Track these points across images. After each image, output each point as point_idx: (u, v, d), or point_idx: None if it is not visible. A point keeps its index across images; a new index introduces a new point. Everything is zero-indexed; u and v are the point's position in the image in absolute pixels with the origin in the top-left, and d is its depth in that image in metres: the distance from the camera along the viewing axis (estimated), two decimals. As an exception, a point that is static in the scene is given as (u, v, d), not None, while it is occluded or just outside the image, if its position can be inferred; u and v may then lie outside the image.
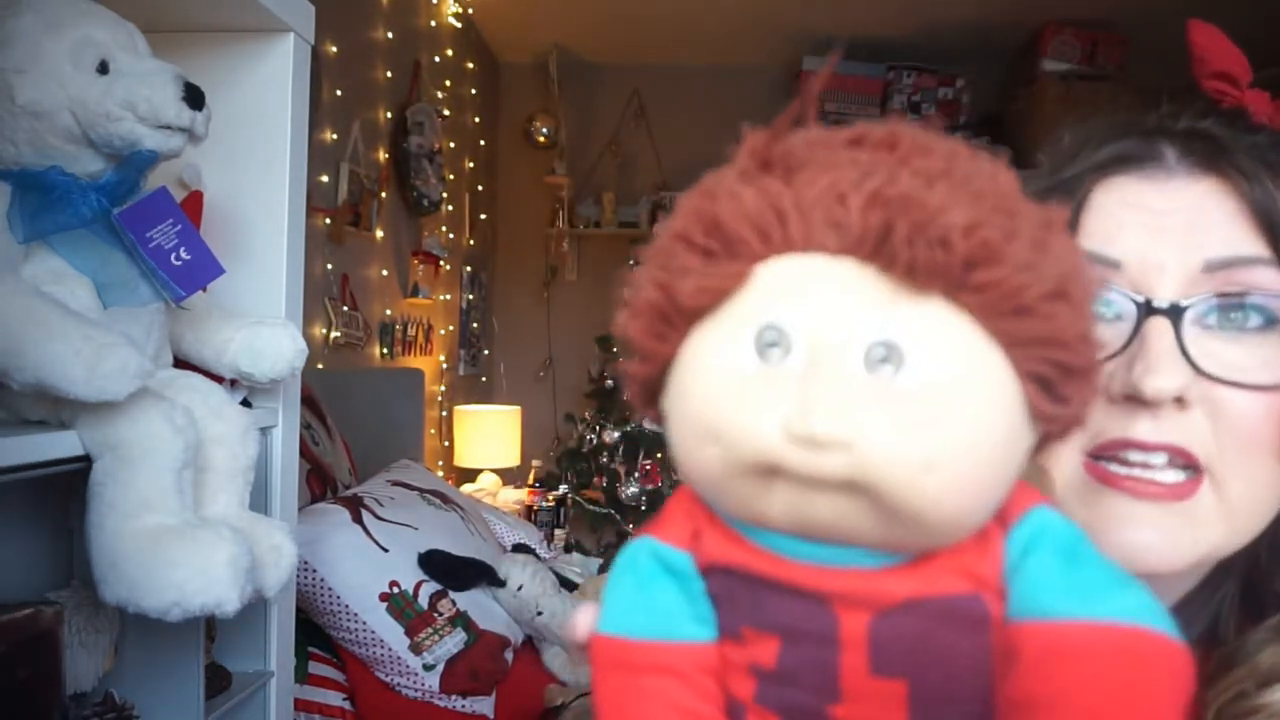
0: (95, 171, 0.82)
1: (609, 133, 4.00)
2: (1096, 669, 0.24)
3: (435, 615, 1.76)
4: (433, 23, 3.09)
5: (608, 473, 3.57)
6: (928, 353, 0.25)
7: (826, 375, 0.25)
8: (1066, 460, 0.48)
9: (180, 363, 0.94)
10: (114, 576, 0.76)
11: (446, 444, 3.44)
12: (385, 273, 2.77)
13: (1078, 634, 0.25)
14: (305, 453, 1.84)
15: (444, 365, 3.40)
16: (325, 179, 2.35)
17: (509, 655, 1.86)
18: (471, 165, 3.62)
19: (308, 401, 1.96)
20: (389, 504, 1.91)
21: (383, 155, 2.72)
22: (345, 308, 2.46)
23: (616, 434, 3.56)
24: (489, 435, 3.37)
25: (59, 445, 0.76)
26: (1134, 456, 0.46)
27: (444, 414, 3.41)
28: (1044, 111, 3.30)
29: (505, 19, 3.54)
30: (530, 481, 3.43)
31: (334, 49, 2.34)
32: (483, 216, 3.79)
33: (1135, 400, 0.45)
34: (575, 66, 3.90)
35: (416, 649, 1.70)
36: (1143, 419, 0.45)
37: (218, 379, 0.95)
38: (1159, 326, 0.46)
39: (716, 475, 0.27)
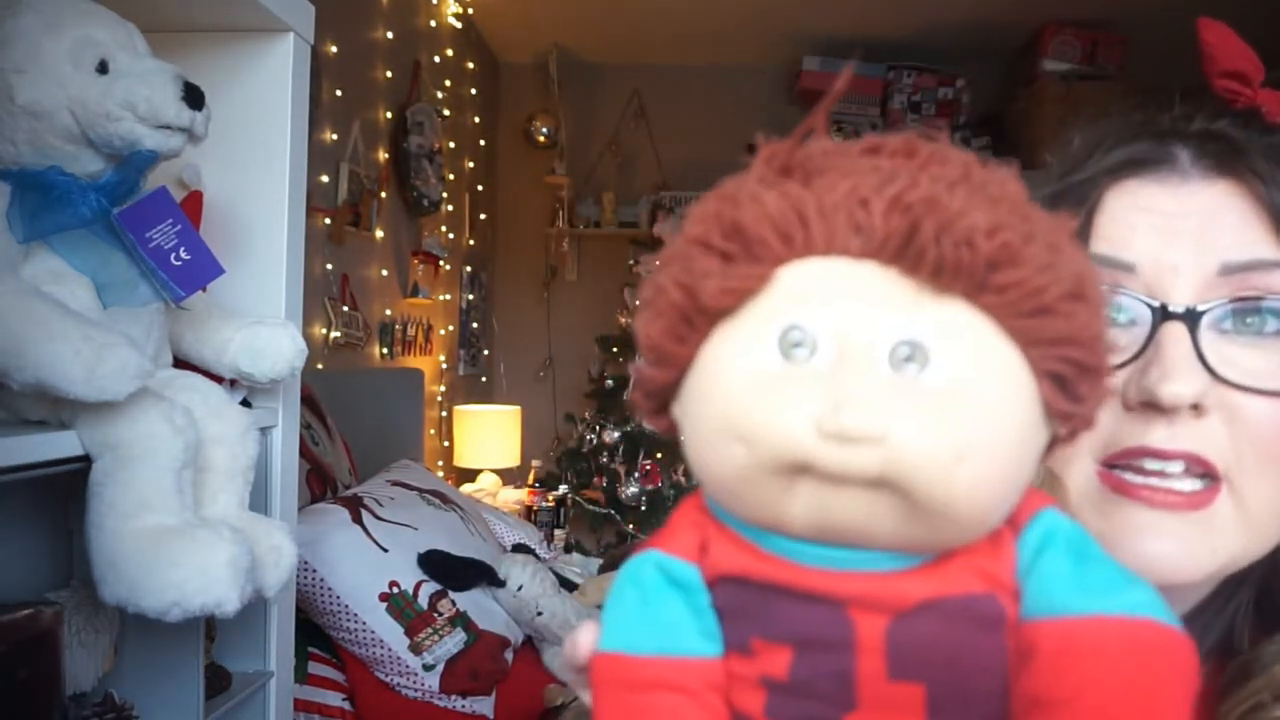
0: (95, 171, 0.82)
1: (609, 133, 4.00)
2: (1110, 661, 0.25)
3: (435, 615, 1.76)
4: (433, 23, 3.09)
5: (608, 473, 3.57)
6: (952, 351, 0.26)
7: (855, 373, 0.26)
8: (1080, 470, 0.47)
9: (180, 363, 0.94)
10: (114, 576, 0.76)
11: (446, 444, 3.44)
12: (385, 273, 2.77)
13: (1091, 628, 0.25)
14: (305, 453, 1.84)
15: (444, 365, 3.40)
16: (325, 179, 2.35)
17: (509, 655, 1.86)
18: (471, 165, 3.62)
19: (308, 401, 1.96)
20: (389, 504, 1.91)
21: (383, 155, 2.72)
22: (345, 308, 2.46)
23: (616, 434, 3.55)
24: (489, 435, 3.37)
25: (59, 445, 0.76)
26: (1150, 465, 0.45)
27: (444, 414, 3.41)
28: (1044, 111, 3.30)
29: (505, 19, 3.54)
30: (530, 481, 3.43)
31: (334, 49, 2.34)
32: (483, 216, 3.79)
33: (1151, 407, 0.44)
34: (575, 66, 3.90)
35: (416, 649, 1.70)
36: (1159, 426, 0.45)
37: (218, 379, 0.95)
38: (1175, 332, 0.45)
39: (738, 476, 0.27)
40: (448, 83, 3.26)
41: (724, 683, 0.29)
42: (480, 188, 3.75)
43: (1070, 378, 0.27)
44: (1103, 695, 0.24)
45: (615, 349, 3.79)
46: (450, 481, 2.99)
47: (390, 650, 1.68)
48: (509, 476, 3.43)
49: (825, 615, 0.28)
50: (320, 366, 2.34)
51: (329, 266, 2.39)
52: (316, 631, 1.70)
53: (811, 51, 3.67)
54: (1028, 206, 0.28)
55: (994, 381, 0.26)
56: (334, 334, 2.40)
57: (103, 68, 0.79)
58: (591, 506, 3.54)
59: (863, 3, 3.27)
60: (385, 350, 2.77)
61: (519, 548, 2.28)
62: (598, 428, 3.62)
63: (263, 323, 0.98)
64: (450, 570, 1.84)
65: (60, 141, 0.78)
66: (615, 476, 3.54)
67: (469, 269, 3.62)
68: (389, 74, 2.72)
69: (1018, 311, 0.26)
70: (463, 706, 1.72)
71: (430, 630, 1.73)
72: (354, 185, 2.48)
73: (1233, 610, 0.50)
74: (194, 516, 0.81)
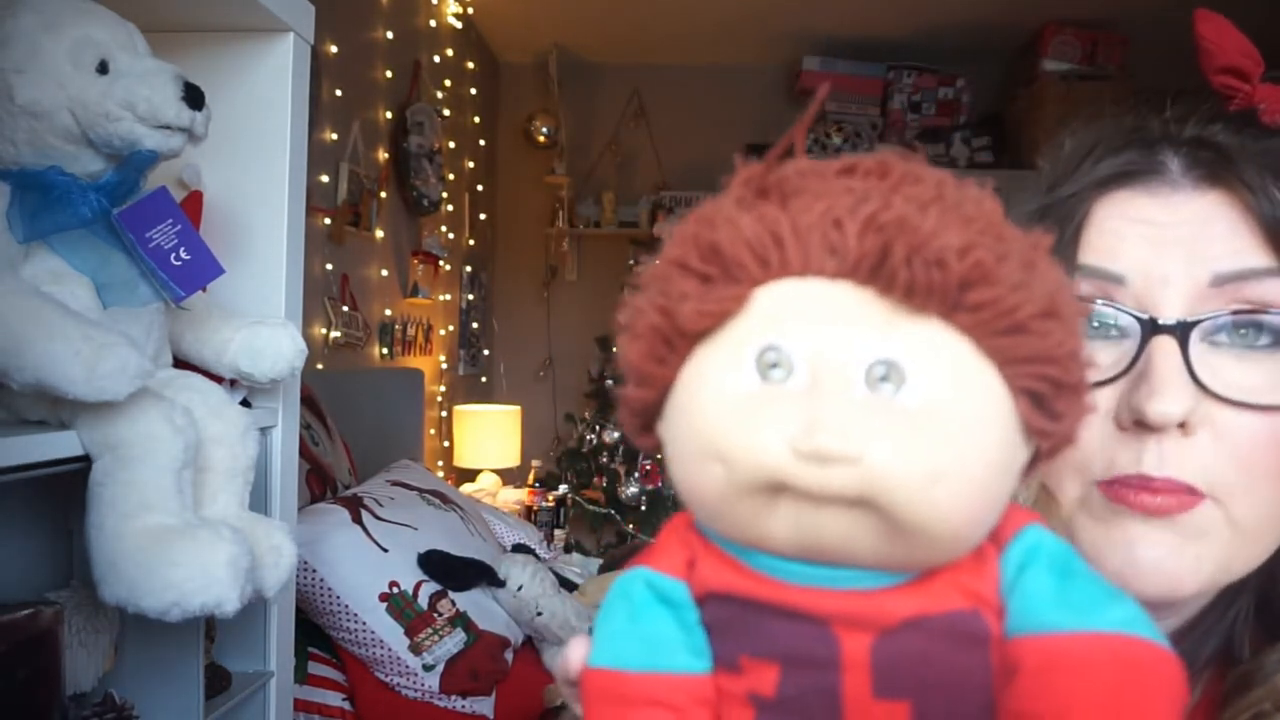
0: (95, 171, 0.81)
1: (609, 133, 4.00)
2: (1094, 678, 0.25)
3: (435, 615, 1.76)
4: (433, 23, 3.09)
5: (608, 473, 3.57)
6: (928, 370, 0.26)
7: (831, 393, 0.26)
8: (1072, 488, 0.47)
9: (180, 363, 0.94)
10: (114, 576, 0.76)
11: (446, 444, 3.44)
12: (385, 273, 2.77)
13: (1075, 645, 0.26)
14: (305, 453, 1.84)
15: (444, 365, 3.40)
16: (325, 179, 2.35)
17: (509, 655, 1.86)
18: (471, 165, 3.62)
19: (307, 401, 1.96)
20: (389, 504, 1.91)
21: (383, 155, 2.72)
22: (345, 308, 2.46)
23: (616, 434, 3.55)
24: (489, 435, 3.37)
25: (59, 445, 0.76)
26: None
27: (444, 414, 3.41)
28: (1044, 111, 3.30)
29: (505, 19, 3.54)
30: (530, 481, 3.43)
31: (334, 49, 2.34)
32: (482, 216, 3.79)
33: (1142, 426, 0.44)
34: (575, 66, 3.90)
35: (416, 649, 1.70)
36: (1149, 448, 0.44)
37: (217, 379, 0.95)
38: (1165, 346, 0.44)
39: (719, 496, 0.27)
40: (448, 82, 3.26)
41: (713, 699, 0.29)
42: (480, 188, 3.75)
43: (1047, 395, 0.27)
44: (1089, 712, 0.24)
45: (615, 349, 3.78)
46: (450, 481, 2.99)
47: (390, 650, 1.68)
48: (509, 476, 3.43)
49: (811, 633, 0.28)
50: (320, 366, 2.34)
51: (329, 266, 2.39)
52: (316, 631, 1.70)
53: (811, 51, 3.67)
54: (1002, 225, 0.28)
55: (970, 400, 0.26)
56: (334, 334, 2.40)
57: (103, 68, 0.79)
58: (591, 506, 3.54)
59: (863, 3, 3.27)
60: (385, 350, 2.77)
61: (519, 548, 2.28)
62: (598, 428, 3.62)
63: (263, 323, 0.98)
64: (450, 570, 1.84)
65: (60, 141, 0.78)
66: (615, 476, 3.54)
67: (469, 269, 3.62)
68: (389, 74, 2.72)
69: (992, 330, 0.26)
70: (463, 707, 1.72)
71: (430, 630, 1.73)
72: (354, 185, 2.48)
73: (1232, 618, 0.49)
74: (194, 516, 0.81)
